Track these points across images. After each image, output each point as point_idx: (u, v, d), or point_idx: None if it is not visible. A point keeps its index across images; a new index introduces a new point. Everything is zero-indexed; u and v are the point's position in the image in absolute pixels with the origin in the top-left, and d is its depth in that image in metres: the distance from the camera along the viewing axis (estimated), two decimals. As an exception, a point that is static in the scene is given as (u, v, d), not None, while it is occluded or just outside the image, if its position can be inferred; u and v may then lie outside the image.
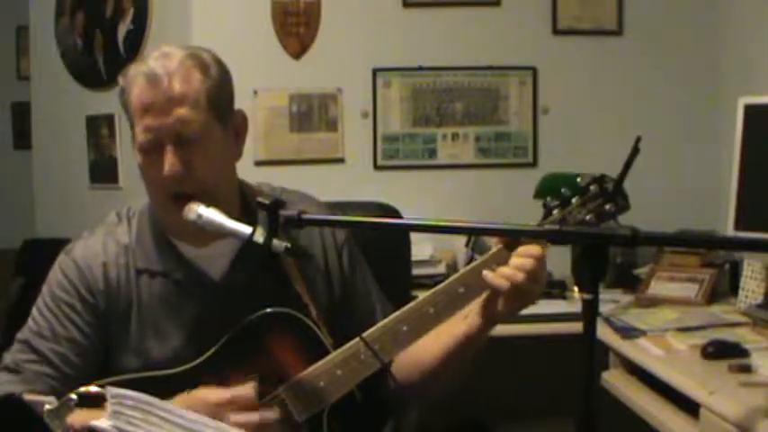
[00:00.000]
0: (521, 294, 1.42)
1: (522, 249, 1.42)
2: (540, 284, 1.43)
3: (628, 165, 1.39)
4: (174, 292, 1.54)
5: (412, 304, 1.48)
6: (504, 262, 1.43)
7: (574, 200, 1.42)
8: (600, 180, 1.42)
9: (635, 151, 1.36)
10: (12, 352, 1.52)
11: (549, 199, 1.43)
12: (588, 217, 1.41)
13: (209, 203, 1.40)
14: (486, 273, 1.42)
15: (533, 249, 1.41)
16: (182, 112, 1.44)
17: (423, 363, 1.58)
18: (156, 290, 1.54)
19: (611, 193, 1.41)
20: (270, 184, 1.67)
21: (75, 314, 1.52)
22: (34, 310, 1.55)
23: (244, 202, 1.57)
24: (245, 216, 1.46)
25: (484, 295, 1.47)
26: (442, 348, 1.54)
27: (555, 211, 1.42)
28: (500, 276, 1.41)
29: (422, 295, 1.49)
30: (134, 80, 1.46)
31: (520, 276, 1.40)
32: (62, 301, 1.53)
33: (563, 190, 1.42)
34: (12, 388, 1.45)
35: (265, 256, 1.39)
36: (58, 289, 1.54)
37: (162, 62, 1.45)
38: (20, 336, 1.53)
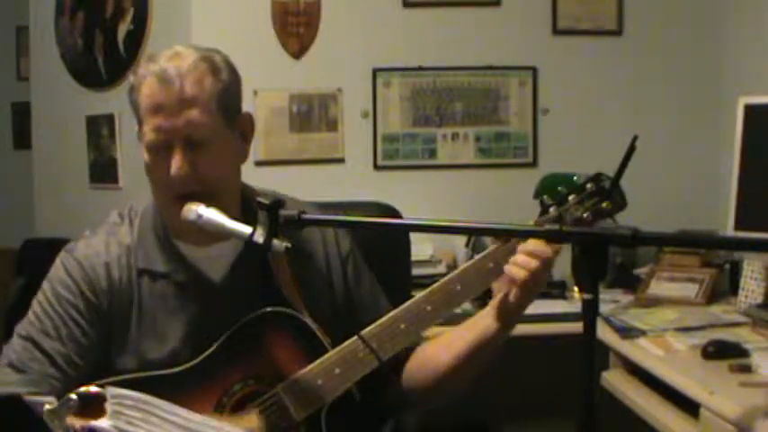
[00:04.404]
0: (533, 282, 1.41)
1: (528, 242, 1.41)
2: (549, 270, 1.42)
3: (624, 163, 1.39)
4: (175, 294, 1.54)
5: (409, 302, 1.49)
6: (503, 260, 1.43)
7: (570, 198, 1.42)
8: (596, 178, 1.43)
9: (631, 150, 1.36)
10: (15, 347, 1.51)
11: (545, 197, 1.43)
12: (585, 215, 1.41)
13: (210, 203, 1.40)
14: (506, 266, 1.42)
15: (538, 242, 1.41)
16: (192, 114, 1.44)
17: (437, 365, 1.57)
18: (157, 291, 1.54)
19: (607, 191, 1.41)
20: (274, 191, 1.66)
21: (78, 314, 1.51)
22: (35, 305, 1.54)
23: (244, 204, 1.57)
24: (245, 217, 1.46)
25: (498, 297, 1.46)
26: (457, 351, 1.54)
27: (551, 209, 1.42)
28: (515, 265, 1.40)
29: (419, 294, 1.49)
30: (145, 79, 1.46)
31: (534, 263, 1.39)
32: (65, 299, 1.52)
33: (560, 188, 1.42)
34: (19, 389, 1.43)
35: (264, 259, 1.39)
36: (61, 287, 1.53)
37: (174, 63, 1.46)
38: (22, 331, 1.52)
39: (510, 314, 1.47)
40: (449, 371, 1.56)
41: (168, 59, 1.47)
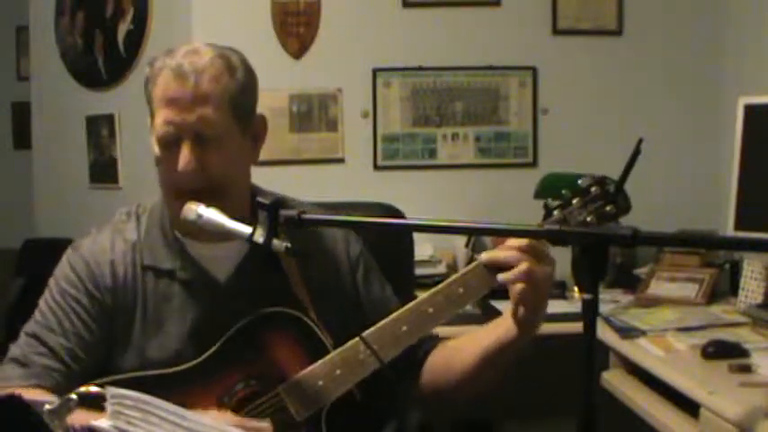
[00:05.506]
0: (528, 290, 1.40)
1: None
2: (537, 273, 1.40)
3: (629, 167, 1.39)
4: (179, 292, 1.54)
5: (411, 304, 1.48)
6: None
7: (574, 201, 1.42)
8: (601, 182, 1.42)
9: (636, 153, 1.36)
10: (20, 344, 1.51)
11: (549, 200, 1.43)
12: (589, 218, 1.41)
13: (216, 202, 1.40)
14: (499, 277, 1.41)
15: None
16: (204, 111, 1.44)
17: (460, 367, 1.56)
18: (161, 288, 1.54)
19: (612, 194, 1.41)
20: (280, 194, 1.65)
21: (81, 309, 1.52)
22: (41, 303, 1.55)
23: (253, 205, 1.57)
24: (254, 218, 1.45)
25: (510, 307, 1.44)
26: (476, 355, 1.53)
27: (555, 212, 1.42)
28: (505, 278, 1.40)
29: (422, 295, 1.49)
30: (161, 72, 1.47)
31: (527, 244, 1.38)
32: (69, 295, 1.53)
33: (564, 191, 1.42)
34: (21, 383, 1.44)
35: (269, 260, 1.39)
36: (66, 283, 1.54)
37: (191, 59, 1.46)
38: (27, 329, 1.53)
39: (524, 320, 1.45)
40: (470, 372, 1.55)
41: (185, 55, 1.47)
